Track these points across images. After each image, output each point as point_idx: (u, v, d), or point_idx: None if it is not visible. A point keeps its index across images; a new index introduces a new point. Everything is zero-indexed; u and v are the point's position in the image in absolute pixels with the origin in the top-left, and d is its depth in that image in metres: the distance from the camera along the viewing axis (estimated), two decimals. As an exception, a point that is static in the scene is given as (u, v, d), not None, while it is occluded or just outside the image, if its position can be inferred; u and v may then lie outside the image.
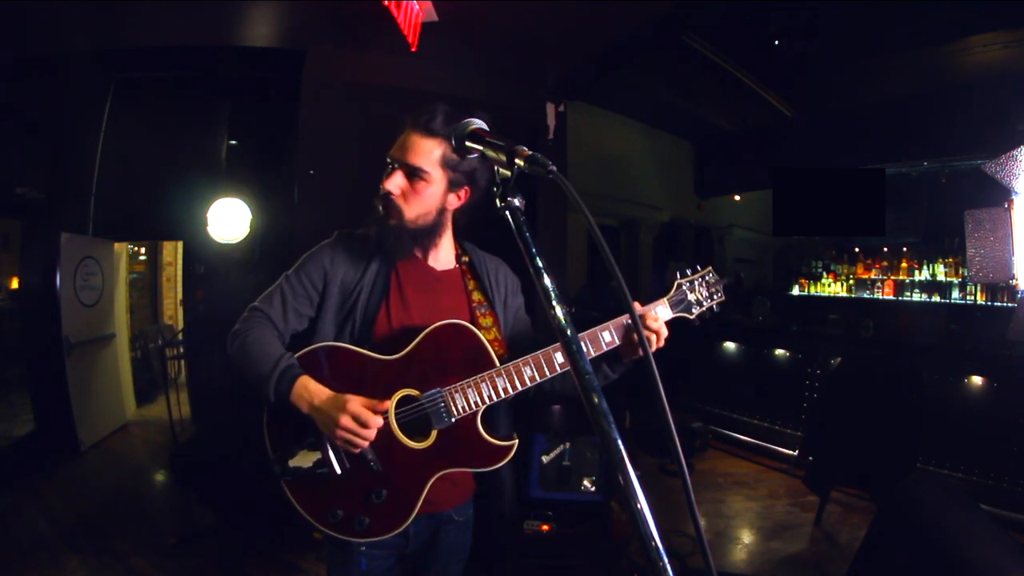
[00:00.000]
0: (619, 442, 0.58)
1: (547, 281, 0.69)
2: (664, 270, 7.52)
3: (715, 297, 1.36)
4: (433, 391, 1.18)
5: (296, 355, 1.22)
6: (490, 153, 0.77)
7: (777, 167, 5.37)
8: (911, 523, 1.59)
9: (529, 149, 0.72)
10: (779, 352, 4.67)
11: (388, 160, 1.25)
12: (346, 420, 1.12)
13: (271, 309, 1.27)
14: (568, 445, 2.86)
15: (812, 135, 6.27)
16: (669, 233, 7.91)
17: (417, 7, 2.91)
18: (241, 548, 2.94)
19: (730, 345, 5.05)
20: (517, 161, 0.72)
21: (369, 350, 1.22)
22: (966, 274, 5.18)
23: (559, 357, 1.19)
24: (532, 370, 1.19)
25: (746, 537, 3.21)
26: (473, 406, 1.18)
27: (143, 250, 6.89)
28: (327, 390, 1.17)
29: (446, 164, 1.24)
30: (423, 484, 1.20)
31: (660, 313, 1.27)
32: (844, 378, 4.04)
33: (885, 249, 7.02)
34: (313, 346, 1.23)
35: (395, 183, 1.23)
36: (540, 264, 0.70)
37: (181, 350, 5.61)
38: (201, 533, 3.11)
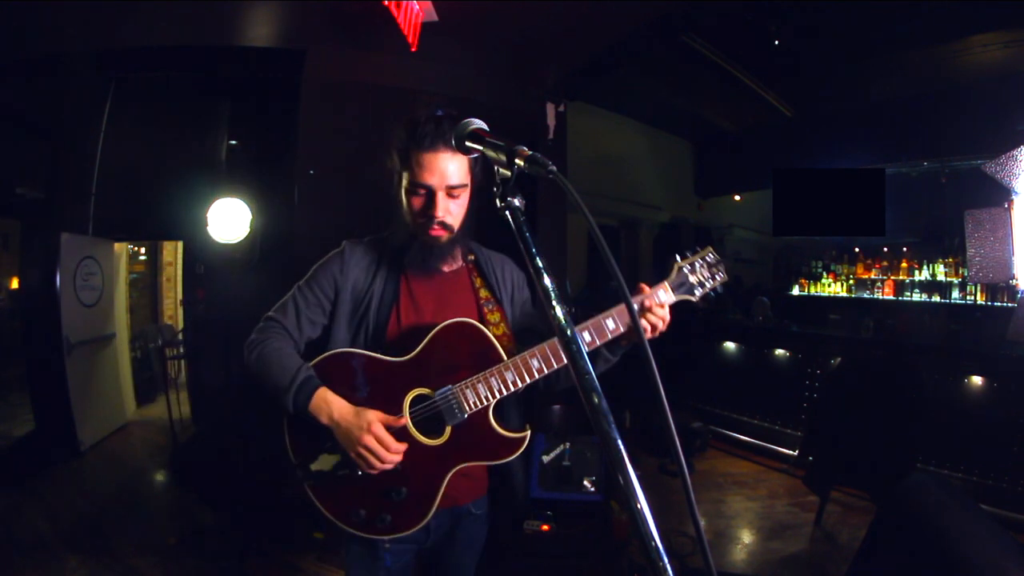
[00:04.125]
0: (619, 442, 0.58)
1: (547, 281, 0.69)
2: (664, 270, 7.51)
3: (717, 277, 1.34)
4: (445, 389, 1.21)
5: (312, 363, 1.24)
6: (490, 153, 0.77)
7: (777, 167, 5.35)
8: (911, 523, 1.59)
9: (529, 149, 0.72)
10: (779, 352, 4.66)
11: (421, 187, 1.22)
12: (369, 440, 1.15)
13: (286, 319, 1.30)
14: (568, 445, 2.86)
15: (812, 135, 6.27)
16: (669, 233, 7.91)
17: (417, 7, 2.92)
18: (241, 548, 2.94)
19: (730, 345, 5.05)
20: (517, 161, 0.72)
21: (382, 353, 1.25)
22: (966, 274, 5.18)
23: None
24: (539, 362, 1.21)
25: (746, 537, 3.21)
26: (484, 401, 1.21)
27: (143, 250, 6.89)
28: (347, 404, 1.20)
29: (472, 168, 1.28)
30: (441, 480, 1.23)
31: (662, 297, 1.27)
32: (844, 378, 4.04)
33: (885, 249, 7.01)
34: (328, 353, 1.26)
35: (443, 208, 1.23)
36: (540, 264, 0.70)
37: (181, 350, 5.62)
38: (201, 533, 3.11)
